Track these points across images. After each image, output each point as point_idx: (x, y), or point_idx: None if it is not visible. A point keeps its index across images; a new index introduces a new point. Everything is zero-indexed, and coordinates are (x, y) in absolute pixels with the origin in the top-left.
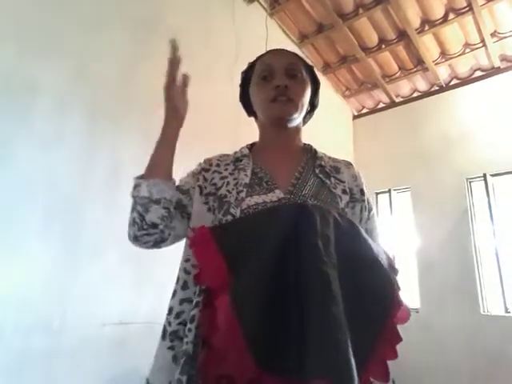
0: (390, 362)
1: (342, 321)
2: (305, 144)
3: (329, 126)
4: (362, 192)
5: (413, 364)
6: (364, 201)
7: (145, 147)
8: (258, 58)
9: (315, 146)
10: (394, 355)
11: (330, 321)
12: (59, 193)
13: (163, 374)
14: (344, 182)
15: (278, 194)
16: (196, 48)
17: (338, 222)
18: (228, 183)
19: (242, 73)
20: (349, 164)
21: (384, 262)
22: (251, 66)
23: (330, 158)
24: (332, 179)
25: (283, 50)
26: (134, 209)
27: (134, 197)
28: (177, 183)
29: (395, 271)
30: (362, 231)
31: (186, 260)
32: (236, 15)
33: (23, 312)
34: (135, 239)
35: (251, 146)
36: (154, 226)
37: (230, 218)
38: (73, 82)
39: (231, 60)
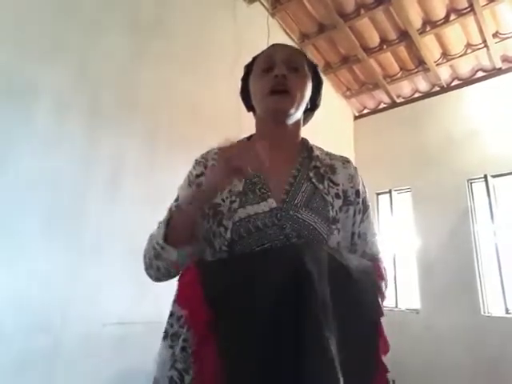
0: (390, 362)
1: None
2: (302, 139)
3: (330, 127)
4: (357, 193)
5: (413, 364)
6: (358, 203)
7: (145, 147)
8: (262, 52)
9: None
10: None
11: None
12: (60, 193)
13: (165, 369)
14: (338, 185)
15: (270, 203)
16: (197, 48)
17: (335, 262)
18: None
19: (245, 67)
20: (346, 161)
21: (371, 287)
22: (254, 59)
23: (327, 154)
24: (326, 183)
25: (286, 44)
26: (158, 258)
27: (160, 255)
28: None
29: (385, 283)
30: (353, 264)
31: None
32: (237, 15)
33: (24, 312)
34: (158, 280)
35: (248, 140)
36: (177, 272)
37: (222, 229)
38: (73, 82)
39: (232, 60)
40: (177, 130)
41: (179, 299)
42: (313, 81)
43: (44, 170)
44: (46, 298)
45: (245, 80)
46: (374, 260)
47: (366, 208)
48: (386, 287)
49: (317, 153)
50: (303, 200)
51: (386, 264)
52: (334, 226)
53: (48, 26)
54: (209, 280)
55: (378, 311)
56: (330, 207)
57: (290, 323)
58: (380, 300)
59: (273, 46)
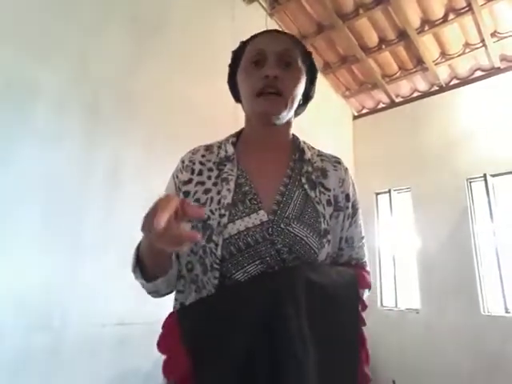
0: (390, 362)
1: None
2: (293, 136)
3: (329, 127)
4: (347, 198)
5: (413, 364)
6: (348, 208)
7: (145, 147)
8: (252, 37)
9: (315, 146)
10: None
11: None
12: (59, 193)
13: None
14: (329, 191)
15: (261, 215)
16: (195, 48)
17: (312, 285)
18: (211, 200)
19: (233, 52)
20: (337, 163)
21: (351, 300)
22: (243, 44)
23: (318, 155)
24: (318, 190)
25: (279, 33)
26: (142, 286)
27: (139, 282)
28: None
29: (369, 288)
30: (331, 279)
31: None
32: (236, 15)
33: (23, 312)
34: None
35: (237, 138)
36: (170, 292)
37: (212, 245)
38: (73, 82)
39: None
40: (176, 129)
41: (160, 347)
42: (307, 73)
43: (44, 170)
44: (45, 298)
45: (232, 67)
46: (359, 265)
47: (354, 212)
48: (369, 290)
49: (308, 155)
50: (295, 211)
51: (370, 267)
52: (325, 239)
53: (48, 26)
54: (187, 329)
55: (359, 323)
56: (322, 219)
57: (266, 366)
58: (360, 310)
59: (265, 33)
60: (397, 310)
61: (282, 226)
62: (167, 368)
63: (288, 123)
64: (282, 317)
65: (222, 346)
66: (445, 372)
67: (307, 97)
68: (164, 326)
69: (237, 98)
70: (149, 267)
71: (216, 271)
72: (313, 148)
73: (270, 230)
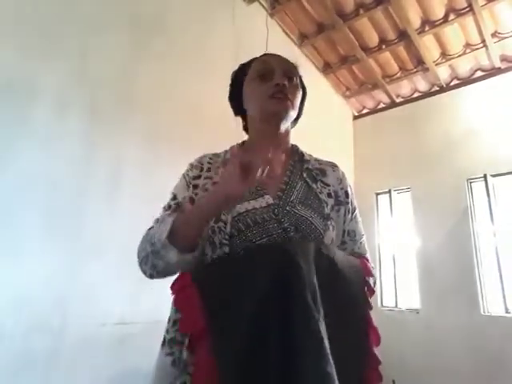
0: (390, 362)
1: (335, 381)
2: (292, 145)
3: (329, 127)
4: (346, 194)
5: (413, 364)
6: (348, 203)
7: (145, 147)
8: (252, 60)
9: (316, 146)
10: (380, 378)
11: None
12: (59, 193)
13: (164, 380)
14: (329, 186)
15: (267, 199)
16: (196, 48)
17: (321, 255)
18: None
19: (233, 73)
20: (334, 166)
21: (358, 280)
22: (243, 66)
23: (316, 160)
24: (318, 183)
25: (280, 55)
26: (156, 256)
27: (159, 253)
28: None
29: (373, 279)
30: (339, 258)
31: None
32: (236, 15)
33: (23, 312)
34: (151, 277)
35: (240, 146)
36: (175, 272)
37: (221, 224)
38: (73, 82)
39: (231, 59)
40: (176, 129)
41: (176, 303)
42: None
43: (43, 170)
44: (45, 298)
45: (232, 86)
46: (362, 258)
47: (354, 209)
48: (375, 284)
49: (307, 157)
50: (299, 197)
51: (373, 263)
52: (329, 222)
53: (48, 26)
54: (202, 282)
55: (365, 304)
56: (325, 204)
57: (278, 315)
58: (367, 294)
59: (268, 54)
60: (397, 310)
61: (287, 208)
62: (183, 324)
63: (287, 131)
64: (295, 271)
65: (236, 302)
66: (445, 372)
67: (297, 114)
68: (174, 285)
69: (237, 112)
70: (182, 241)
71: (226, 247)
72: (311, 155)
73: (276, 210)
